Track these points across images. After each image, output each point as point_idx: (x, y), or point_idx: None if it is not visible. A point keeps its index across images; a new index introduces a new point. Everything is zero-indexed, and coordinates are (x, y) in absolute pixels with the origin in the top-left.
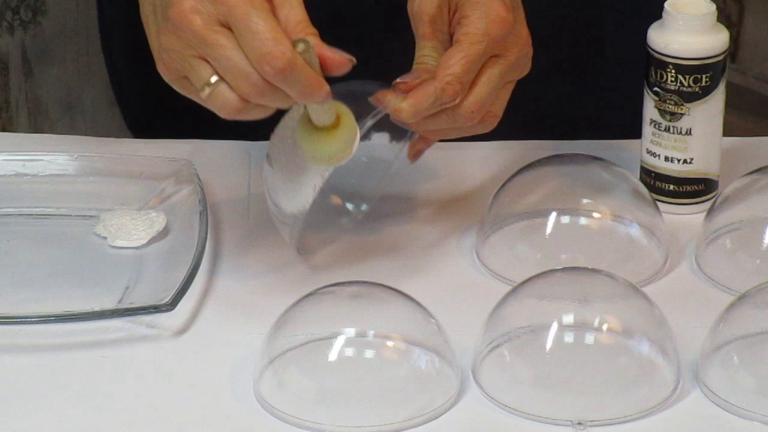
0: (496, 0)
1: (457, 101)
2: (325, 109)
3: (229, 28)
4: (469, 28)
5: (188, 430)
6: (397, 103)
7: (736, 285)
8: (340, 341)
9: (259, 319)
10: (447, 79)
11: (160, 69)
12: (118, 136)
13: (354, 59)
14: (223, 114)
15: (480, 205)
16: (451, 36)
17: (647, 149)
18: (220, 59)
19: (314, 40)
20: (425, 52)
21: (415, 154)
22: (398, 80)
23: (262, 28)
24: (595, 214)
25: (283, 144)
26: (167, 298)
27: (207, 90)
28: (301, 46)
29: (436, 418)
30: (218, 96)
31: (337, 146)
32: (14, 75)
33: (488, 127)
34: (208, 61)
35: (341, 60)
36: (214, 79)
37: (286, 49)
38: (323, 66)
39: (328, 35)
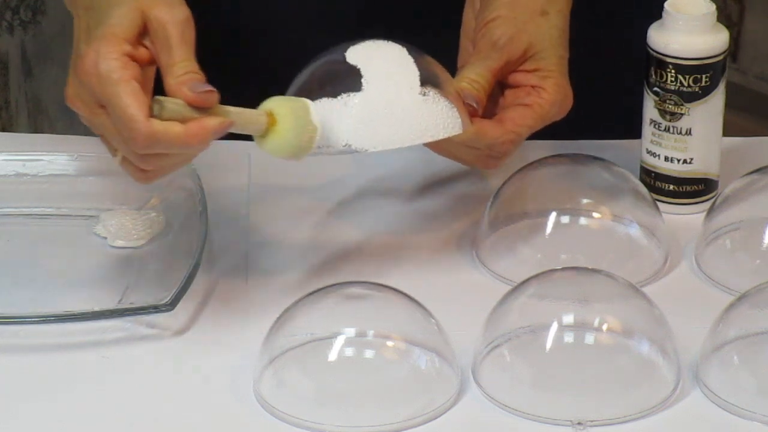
0: (569, 86)
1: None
2: (246, 124)
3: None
4: (545, 102)
5: (188, 430)
6: (466, 123)
7: (736, 285)
8: (340, 341)
9: (259, 319)
10: (511, 137)
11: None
12: None
13: (214, 90)
14: (137, 182)
15: (480, 205)
16: (510, 83)
17: (647, 149)
18: (110, 139)
19: (187, 78)
20: (478, 78)
21: None
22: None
23: (118, 109)
24: (595, 214)
25: None
26: (167, 298)
27: (117, 159)
28: (156, 108)
29: (436, 418)
30: (125, 168)
31: (276, 148)
32: (14, 75)
33: (491, 167)
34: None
35: (201, 99)
36: (115, 159)
37: (140, 126)
38: (195, 106)
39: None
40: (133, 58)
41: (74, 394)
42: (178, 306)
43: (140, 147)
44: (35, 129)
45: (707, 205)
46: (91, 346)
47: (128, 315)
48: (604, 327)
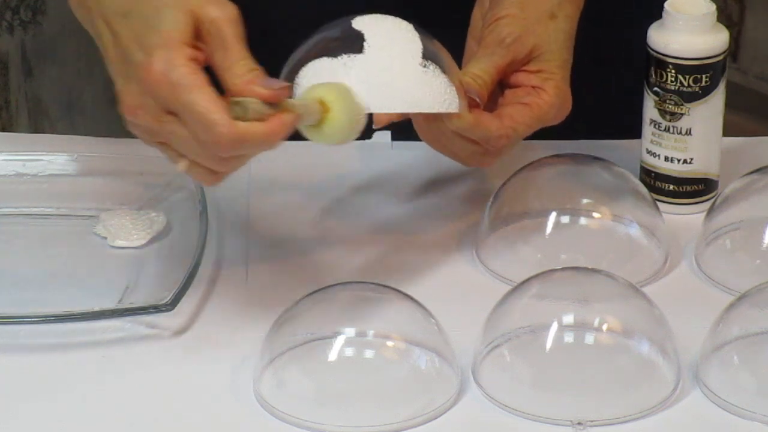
0: (569, 91)
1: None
2: (306, 116)
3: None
4: (544, 103)
5: (188, 430)
6: (464, 109)
7: (736, 285)
8: (340, 341)
9: (259, 319)
10: (508, 132)
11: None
12: (118, 136)
13: (288, 84)
14: (207, 186)
15: (480, 205)
16: (511, 82)
17: (647, 149)
18: (179, 146)
19: (251, 77)
20: (482, 74)
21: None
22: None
23: (197, 114)
24: (595, 214)
25: None
26: (167, 298)
27: (182, 166)
28: (236, 111)
29: (436, 418)
30: (195, 173)
31: (332, 135)
32: (14, 75)
33: (485, 165)
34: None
35: (277, 95)
36: (180, 166)
37: (225, 128)
38: (269, 103)
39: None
40: (196, 62)
41: (74, 394)
42: (178, 306)
43: (226, 150)
44: (35, 129)
45: (707, 205)
46: (91, 346)
47: (128, 315)
48: (604, 327)
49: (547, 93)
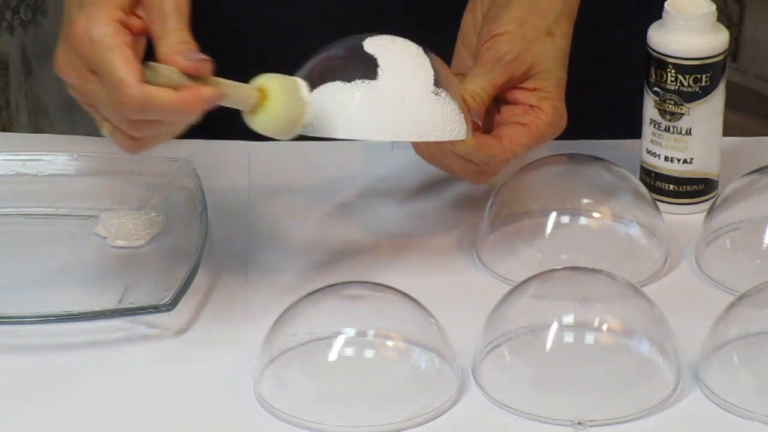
0: (565, 110)
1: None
2: (237, 99)
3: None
4: (541, 123)
5: (188, 429)
6: (469, 134)
7: (736, 285)
8: (340, 341)
9: (259, 319)
10: (508, 156)
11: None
12: None
13: (209, 59)
14: (124, 152)
15: (480, 205)
16: (508, 99)
17: (647, 149)
18: (101, 107)
19: (180, 48)
20: (480, 91)
21: None
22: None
23: (110, 73)
24: (596, 214)
25: None
26: (167, 298)
27: (105, 130)
28: (148, 75)
29: (436, 418)
30: (112, 136)
31: (266, 124)
32: (14, 75)
33: (481, 183)
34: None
35: (195, 67)
36: (104, 130)
37: (134, 89)
38: (189, 75)
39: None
40: (126, 26)
41: (74, 394)
42: (178, 306)
43: (133, 112)
44: (35, 129)
45: (707, 205)
46: (91, 346)
47: (128, 315)
48: (604, 327)
49: (545, 113)
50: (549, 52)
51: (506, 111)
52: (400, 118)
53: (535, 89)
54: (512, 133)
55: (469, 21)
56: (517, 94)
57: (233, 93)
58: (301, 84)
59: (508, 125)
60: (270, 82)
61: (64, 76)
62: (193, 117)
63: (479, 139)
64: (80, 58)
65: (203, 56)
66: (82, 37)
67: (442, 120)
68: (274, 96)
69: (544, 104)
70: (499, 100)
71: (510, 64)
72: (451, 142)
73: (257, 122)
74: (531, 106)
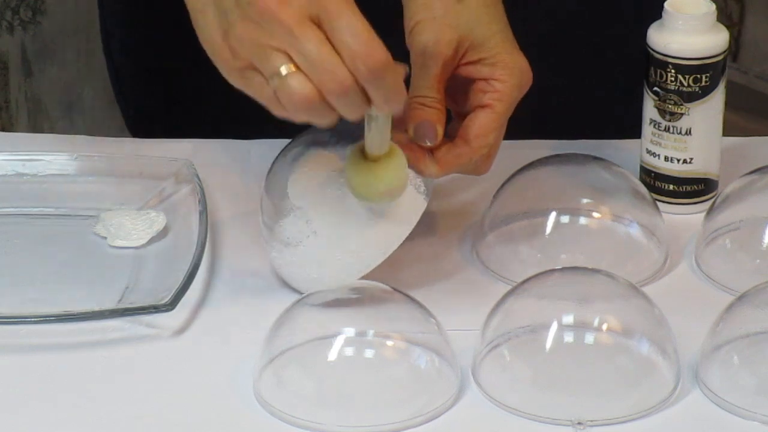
0: (521, 57)
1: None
2: (384, 134)
3: (319, 25)
4: (503, 94)
5: (188, 429)
6: (430, 167)
7: (736, 285)
8: (340, 341)
9: (259, 319)
10: (483, 151)
11: (224, 59)
12: (118, 136)
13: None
14: (288, 107)
15: (480, 205)
16: (463, 77)
17: (647, 149)
18: (307, 52)
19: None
20: (428, 92)
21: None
22: (427, 143)
23: (359, 27)
24: (595, 214)
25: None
26: (167, 298)
27: (277, 80)
28: (367, 117)
29: (436, 418)
30: (290, 87)
31: (393, 176)
32: (14, 75)
33: (482, 172)
34: (287, 53)
35: (417, 139)
36: (286, 69)
37: (382, 50)
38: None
39: None
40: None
41: (74, 394)
42: (178, 306)
43: (372, 68)
44: (35, 129)
45: (707, 205)
46: (91, 346)
47: (128, 315)
48: (604, 327)
49: (500, 80)
50: (468, 19)
51: (467, 95)
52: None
53: (479, 60)
54: (476, 127)
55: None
56: (468, 69)
57: (389, 125)
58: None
59: (471, 117)
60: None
61: (272, 12)
62: (390, 108)
63: (444, 160)
64: (315, 3)
65: (437, 138)
66: None
67: (408, 203)
68: (400, 152)
69: (496, 72)
70: (456, 78)
71: (435, 52)
72: (423, 174)
73: (376, 170)
74: (486, 80)
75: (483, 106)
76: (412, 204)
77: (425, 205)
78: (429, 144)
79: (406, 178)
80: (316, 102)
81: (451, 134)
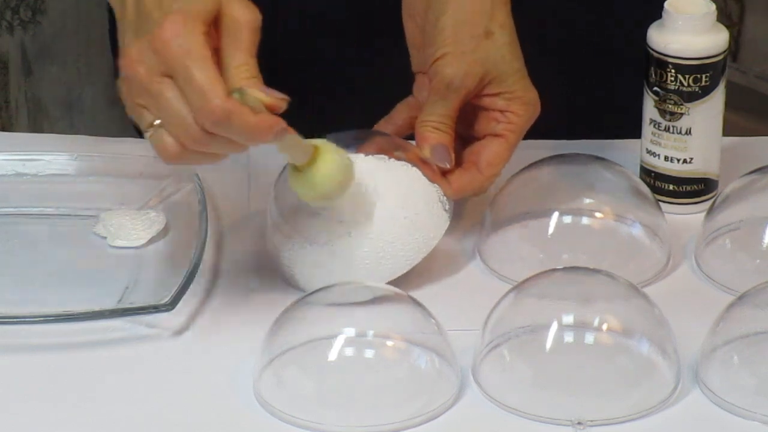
0: (534, 92)
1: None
2: (294, 147)
3: (174, 79)
4: (517, 126)
5: (188, 429)
6: (446, 189)
7: (736, 285)
8: (340, 341)
9: (259, 319)
10: (494, 179)
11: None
12: (118, 136)
13: (287, 98)
14: (162, 159)
15: (481, 205)
16: (478, 105)
17: (647, 149)
18: (161, 109)
19: (253, 82)
20: (444, 120)
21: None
22: (446, 165)
23: (199, 80)
24: (598, 214)
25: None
26: (167, 298)
27: (149, 132)
28: (236, 96)
29: (436, 418)
30: (158, 141)
31: (323, 180)
32: (14, 75)
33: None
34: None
35: (274, 103)
36: (156, 122)
37: (221, 100)
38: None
39: (333, 36)
40: (208, 41)
41: (74, 394)
42: (178, 306)
43: (212, 121)
44: (35, 129)
45: (707, 205)
46: (91, 346)
47: (128, 315)
48: (604, 327)
49: (516, 114)
50: (495, 55)
51: (482, 118)
52: (394, 259)
53: (498, 93)
54: (489, 154)
55: (411, 27)
56: (485, 101)
57: (294, 144)
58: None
59: (483, 143)
60: (323, 144)
61: (131, 72)
62: (256, 143)
63: (457, 183)
64: (162, 61)
65: (282, 95)
66: (170, 41)
67: (427, 230)
68: (325, 154)
69: (512, 106)
70: (469, 106)
71: (461, 86)
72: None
73: (308, 176)
74: (501, 111)
75: (496, 135)
76: (440, 219)
77: (448, 223)
78: (447, 166)
79: (341, 174)
80: (179, 153)
81: (456, 158)
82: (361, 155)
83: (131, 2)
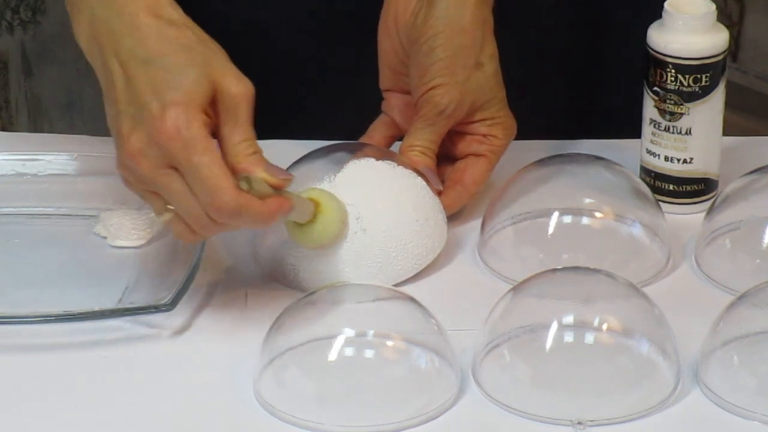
0: (512, 117)
1: None
2: (298, 211)
3: (177, 169)
4: (498, 147)
5: (188, 429)
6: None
7: (736, 285)
8: (340, 341)
9: (259, 319)
10: (476, 195)
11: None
12: None
13: (292, 176)
14: (184, 241)
15: (481, 205)
16: (460, 130)
17: (647, 149)
18: (171, 200)
19: (255, 159)
20: (430, 145)
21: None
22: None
23: (206, 177)
24: (598, 214)
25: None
26: (167, 298)
27: (165, 217)
28: (244, 185)
29: (436, 418)
30: (176, 227)
31: (320, 233)
32: (14, 75)
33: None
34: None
35: (280, 183)
36: (169, 207)
37: (230, 197)
38: (271, 186)
39: (328, 38)
40: (208, 128)
41: (74, 394)
42: (178, 306)
43: (224, 216)
44: (35, 129)
45: (707, 204)
46: (91, 346)
47: (128, 315)
48: (604, 327)
49: (498, 138)
50: (483, 84)
51: (461, 143)
52: (400, 261)
53: (482, 120)
54: (473, 172)
55: (385, 43)
56: (469, 127)
57: (299, 205)
58: (337, 197)
59: (466, 162)
60: (320, 195)
61: (134, 165)
62: (265, 227)
63: (446, 201)
64: (165, 154)
65: (288, 174)
66: (173, 135)
67: (433, 232)
68: (327, 207)
69: (495, 130)
70: (453, 130)
71: (453, 115)
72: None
73: (311, 232)
74: (484, 135)
75: (478, 155)
76: (442, 229)
77: (446, 237)
78: (440, 188)
79: (339, 228)
80: (196, 237)
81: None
82: (372, 159)
83: (121, 83)
